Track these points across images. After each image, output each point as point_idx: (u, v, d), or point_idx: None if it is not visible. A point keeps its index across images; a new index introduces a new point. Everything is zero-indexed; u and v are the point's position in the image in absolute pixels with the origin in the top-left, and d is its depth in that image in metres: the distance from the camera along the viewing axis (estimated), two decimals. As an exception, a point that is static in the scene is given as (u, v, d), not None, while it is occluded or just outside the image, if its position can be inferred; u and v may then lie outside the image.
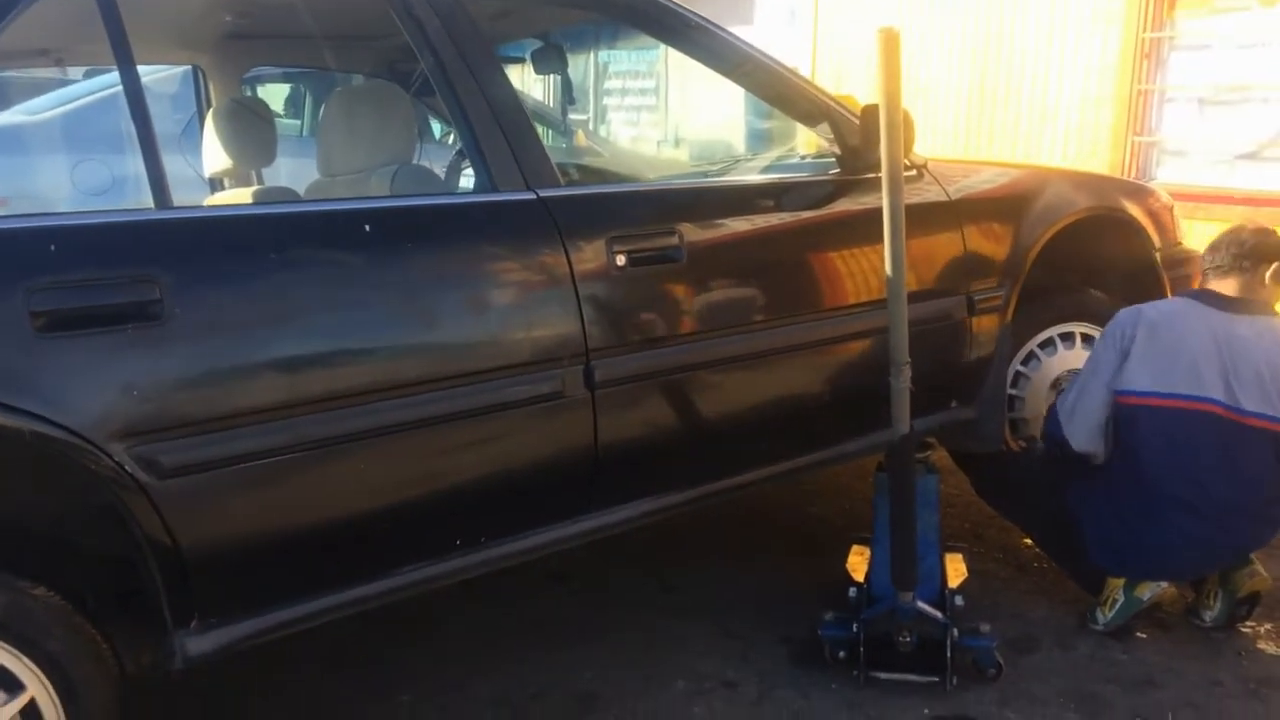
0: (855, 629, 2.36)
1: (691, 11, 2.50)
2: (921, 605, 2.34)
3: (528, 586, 2.77)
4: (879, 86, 2.24)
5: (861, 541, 2.62)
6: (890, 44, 2.20)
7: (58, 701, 1.63)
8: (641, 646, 2.52)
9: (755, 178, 2.87)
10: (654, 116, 8.59)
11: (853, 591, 2.45)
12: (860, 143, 2.53)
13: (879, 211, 2.33)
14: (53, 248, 1.64)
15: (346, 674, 2.41)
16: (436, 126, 4.99)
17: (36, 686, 1.61)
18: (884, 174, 2.26)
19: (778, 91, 2.64)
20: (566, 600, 2.76)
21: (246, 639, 1.81)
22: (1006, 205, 2.91)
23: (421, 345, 1.97)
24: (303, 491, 1.85)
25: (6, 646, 1.58)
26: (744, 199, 2.50)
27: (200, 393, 1.73)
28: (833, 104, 2.60)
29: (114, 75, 5.30)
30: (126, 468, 1.63)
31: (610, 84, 8.94)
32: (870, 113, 2.47)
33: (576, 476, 2.18)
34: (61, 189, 3.78)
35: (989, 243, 2.81)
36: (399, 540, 2.00)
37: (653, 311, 2.24)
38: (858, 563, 2.56)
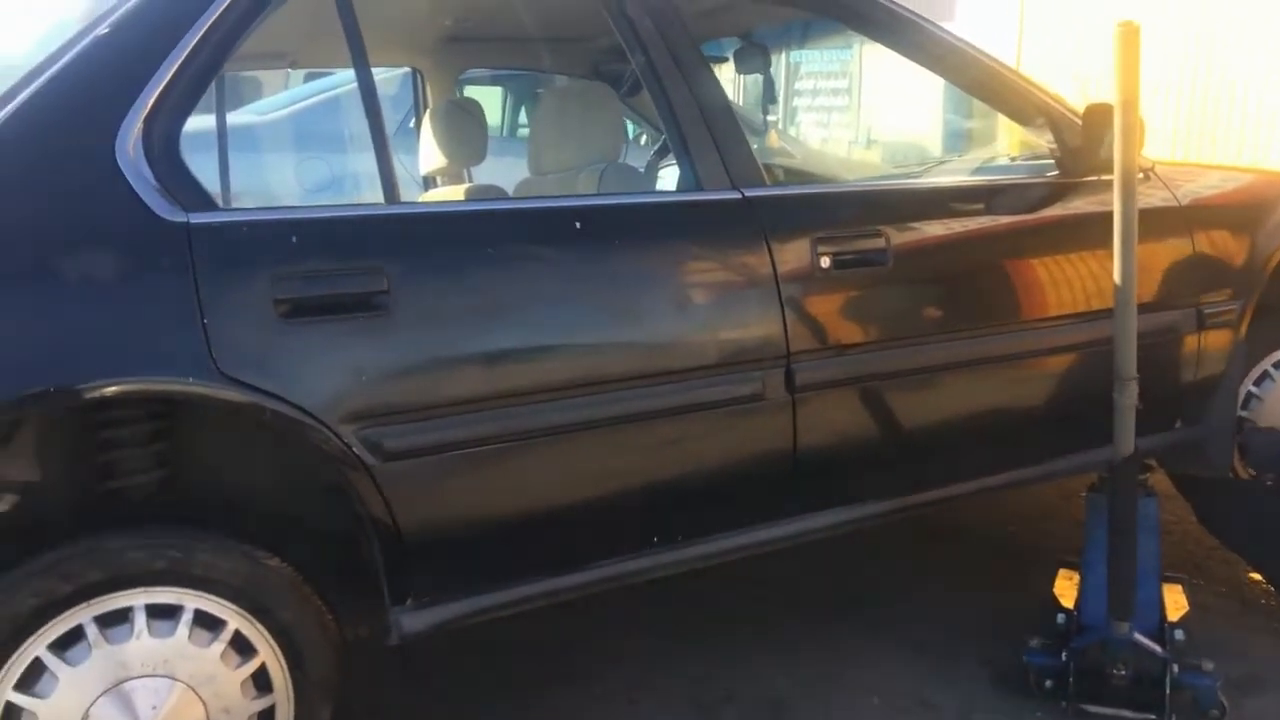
0: (1064, 657, 2.24)
1: (901, 7, 2.44)
2: (1138, 637, 2.21)
3: (719, 589, 2.76)
4: (1115, 85, 2.13)
5: (1070, 566, 2.49)
6: (1129, 40, 2.08)
7: (285, 668, 1.73)
8: (832, 658, 2.47)
9: (966, 179, 2.77)
10: (846, 117, 8.45)
11: (1061, 618, 2.33)
12: (1083, 144, 2.41)
13: (1101, 216, 2.21)
14: (294, 239, 1.73)
15: (538, 660, 2.46)
16: (630, 126, 5.06)
17: (267, 652, 1.72)
18: (1116, 178, 2.14)
19: (993, 89, 2.54)
20: (757, 605, 2.73)
21: (457, 619, 1.88)
22: (1242, 211, 2.71)
23: (626, 342, 1.99)
24: (512, 480, 1.89)
25: (243, 613, 1.68)
26: (954, 201, 2.41)
27: (420, 381, 1.80)
28: (1052, 102, 2.48)
29: (334, 79, 5.65)
30: (354, 449, 1.71)
31: (801, 84, 8.85)
32: (1097, 112, 2.34)
33: (774, 480, 2.15)
34: (288, 184, 4.04)
35: (1222, 252, 2.62)
36: (600, 533, 2.03)
37: (856, 315, 2.20)
38: (1066, 588, 2.43)
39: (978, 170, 3.03)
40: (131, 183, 1.63)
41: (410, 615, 1.83)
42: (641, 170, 3.34)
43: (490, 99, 6.55)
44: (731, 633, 2.58)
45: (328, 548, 1.87)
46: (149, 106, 1.68)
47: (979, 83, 2.54)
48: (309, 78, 6.15)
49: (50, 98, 1.65)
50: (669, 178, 3.32)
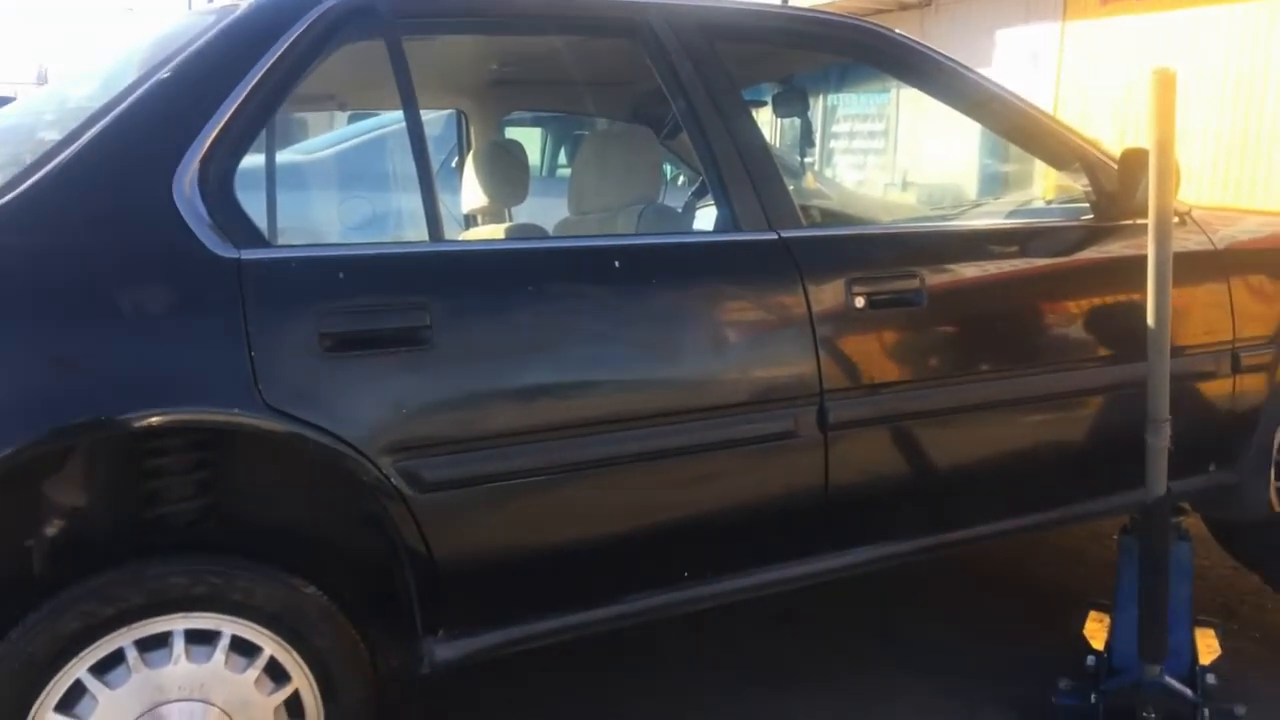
0: (1094, 700, 2.22)
1: (939, 53, 2.48)
2: (1169, 680, 2.18)
3: (750, 625, 2.77)
4: (1150, 130, 2.15)
5: (1100, 607, 2.47)
6: (1165, 86, 2.10)
7: (318, 695, 1.76)
8: (865, 696, 2.46)
9: (1001, 222, 2.79)
10: (882, 159, 8.48)
11: (1091, 660, 2.31)
12: (1119, 188, 2.43)
13: (1136, 260, 2.22)
14: (341, 275, 1.79)
15: (575, 689, 2.47)
16: (667, 168, 5.13)
17: (301, 679, 1.74)
18: (1151, 222, 2.15)
19: (1029, 133, 2.57)
20: (788, 641, 2.73)
21: (489, 650, 1.90)
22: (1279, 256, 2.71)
23: (662, 379, 2.02)
24: (546, 513, 1.92)
25: (278, 639, 1.72)
26: (990, 243, 2.43)
27: (459, 414, 1.84)
28: (1088, 147, 2.50)
29: (376, 119, 5.75)
30: (392, 480, 1.75)
31: (838, 127, 8.91)
32: (1133, 157, 2.36)
33: (805, 517, 2.16)
34: (332, 222, 4.13)
35: (1258, 296, 2.61)
36: (632, 567, 2.05)
37: (890, 355, 2.21)
38: (1096, 630, 2.41)
39: (1013, 213, 3.05)
40: (187, 220, 1.69)
41: (443, 645, 1.85)
42: (679, 211, 3.39)
43: (530, 140, 6.66)
44: (763, 669, 2.58)
45: (362, 577, 1.90)
46: (205, 148, 1.74)
47: (1015, 127, 2.57)
48: (352, 119, 6.29)
49: (113, 138, 1.72)
50: (706, 218, 3.37)
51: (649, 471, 2.00)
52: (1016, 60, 7.54)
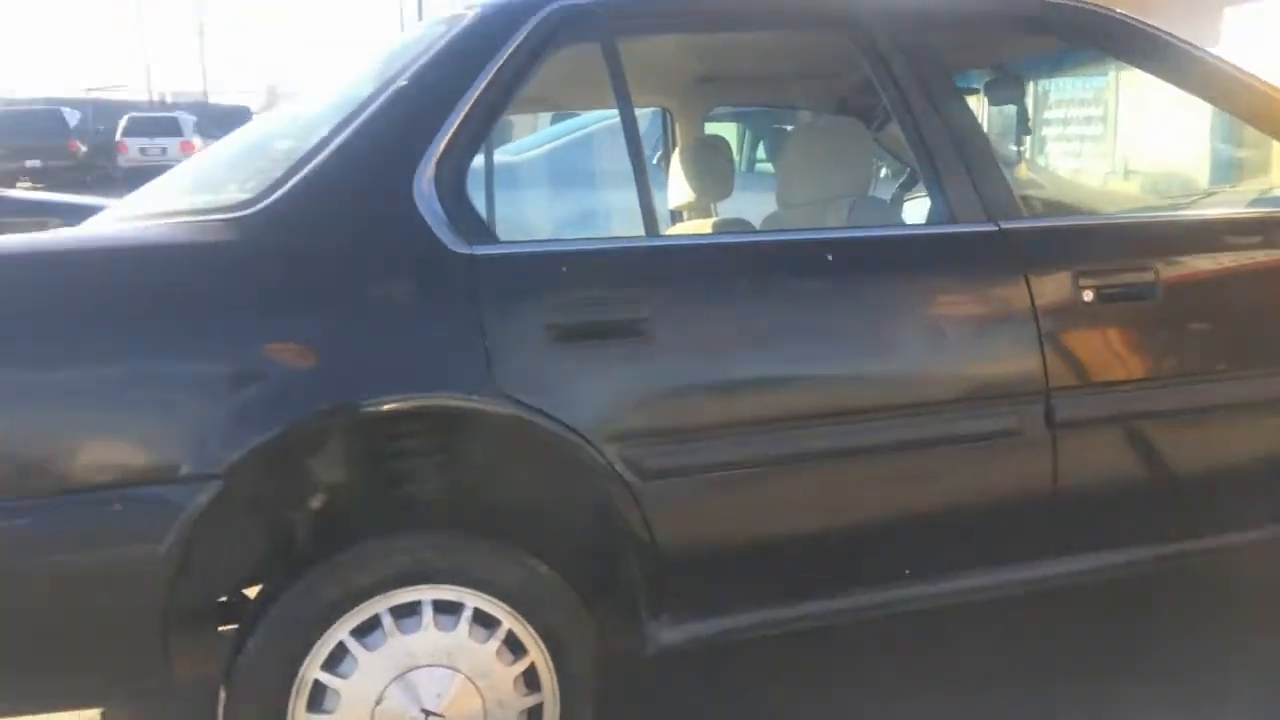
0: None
1: (1164, 31, 2.35)
2: None
3: (973, 635, 2.67)
4: None
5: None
6: None
7: (553, 669, 1.84)
8: (1098, 711, 2.30)
9: (1240, 211, 2.62)
10: (1101, 146, 8.06)
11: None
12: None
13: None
14: (564, 269, 1.87)
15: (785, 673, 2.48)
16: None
17: (536, 653, 1.83)
18: None
19: (1270, 116, 2.40)
20: (1015, 654, 2.61)
21: (708, 636, 1.94)
22: None
23: (877, 373, 2.02)
24: (765, 505, 1.95)
25: (515, 614, 1.81)
26: (1229, 234, 2.29)
27: (677, 404, 1.90)
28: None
29: (580, 119, 5.93)
30: (616, 467, 1.82)
31: (1051, 113, 8.53)
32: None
33: (1030, 519, 2.11)
34: (546, 218, 4.30)
35: None
36: (851, 562, 2.05)
37: (1121, 351, 2.13)
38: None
39: (1253, 202, 2.85)
40: (425, 218, 1.81)
41: (666, 629, 1.91)
42: (889, 202, 3.34)
43: (728, 135, 6.69)
44: (987, 686, 2.45)
45: (589, 559, 1.98)
46: (441, 149, 1.86)
47: (1252, 109, 2.41)
48: (555, 119, 6.50)
49: (359, 143, 1.86)
50: (917, 210, 3.31)
51: (866, 466, 2.00)
52: (1244, 38, 7.01)
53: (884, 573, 2.06)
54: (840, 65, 2.85)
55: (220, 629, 1.99)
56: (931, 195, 2.23)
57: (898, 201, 3.61)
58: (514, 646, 1.82)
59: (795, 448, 1.93)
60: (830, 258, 2.06)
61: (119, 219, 2.13)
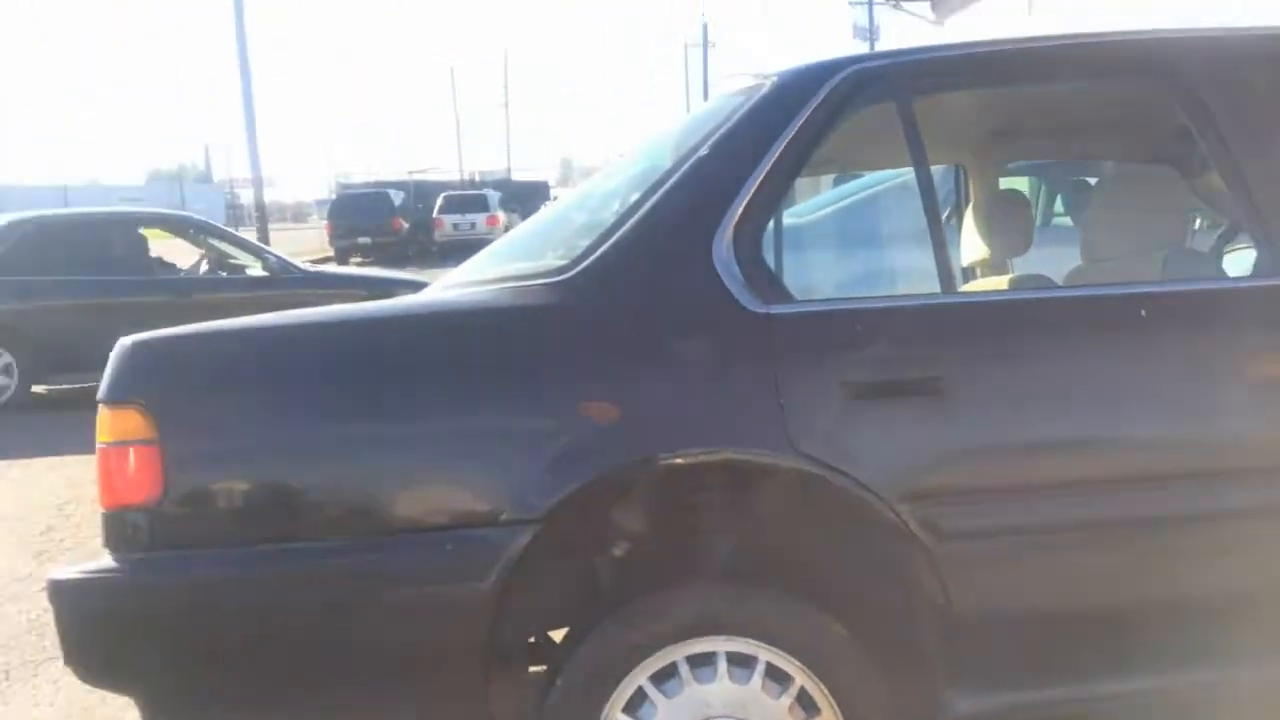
0: None
1: None
2: None
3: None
4: None
5: None
6: None
7: (843, 726, 1.83)
8: None
9: None
10: None
11: None
12: None
13: None
14: (859, 328, 1.88)
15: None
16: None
17: (829, 712, 1.82)
18: None
19: None
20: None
21: (1004, 709, 1.87)
22: None
23: (1192, 436, 1.90)
24: (1070, 572, 1.87)
25: (808, 671, 1.82)
26: None
27: (975, 464, 1.86)
28: None
29: (864, 180, 5.90)
30: (910, 526, 1.80)
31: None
32: None
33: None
34: (834, 277, 4.32)
35: None
36: (1158, 638, 1.91)
37: None
38: None
39: None
40: (724, 280, 1.88)
41: (962, 698, 1.85)
42: (1206, 254, 3.11)
43: (1020, 188, 6.42)
44: None
45: (883, 621, 1.95)
46: (739, 214, 1.93)
47: None
48: (837, 180, 6.51)
49: (663, 210, 1.97)
50: (1238, 263, 3.05)
51: (1179, 535, 1.88)
52: None
53: (1198, 652, 1.90)
54: (1150, 113, 2.70)
55: (530, 669, 2.11)
56: (1256, 246, 2.08)
57: (1217, 253, 3.34)
58: (806, 704, 1.82)
59: (1102, 513, 1.85)
60: (1143, 313, 1.95)
61: (449, 286, 2.34)
